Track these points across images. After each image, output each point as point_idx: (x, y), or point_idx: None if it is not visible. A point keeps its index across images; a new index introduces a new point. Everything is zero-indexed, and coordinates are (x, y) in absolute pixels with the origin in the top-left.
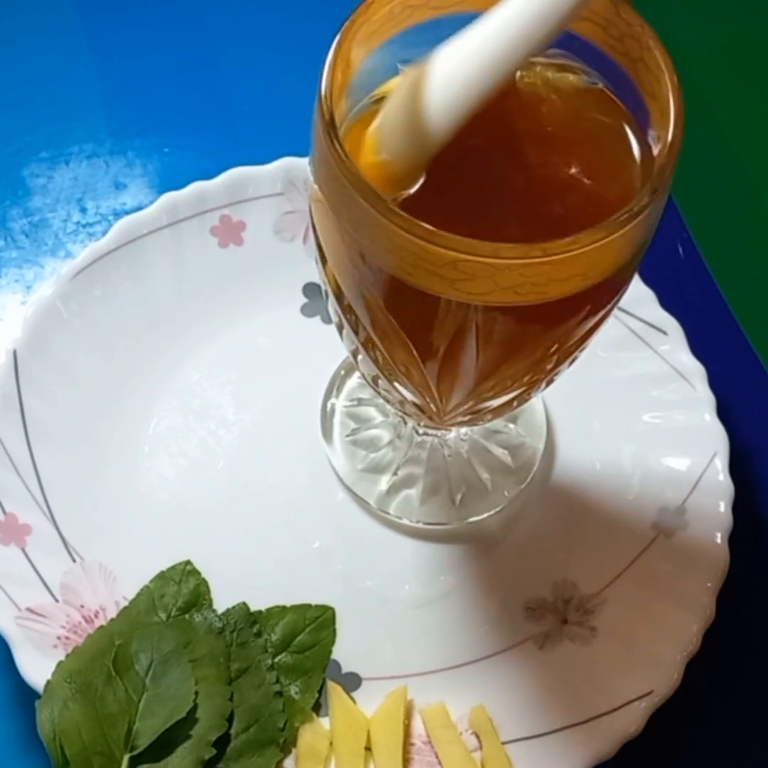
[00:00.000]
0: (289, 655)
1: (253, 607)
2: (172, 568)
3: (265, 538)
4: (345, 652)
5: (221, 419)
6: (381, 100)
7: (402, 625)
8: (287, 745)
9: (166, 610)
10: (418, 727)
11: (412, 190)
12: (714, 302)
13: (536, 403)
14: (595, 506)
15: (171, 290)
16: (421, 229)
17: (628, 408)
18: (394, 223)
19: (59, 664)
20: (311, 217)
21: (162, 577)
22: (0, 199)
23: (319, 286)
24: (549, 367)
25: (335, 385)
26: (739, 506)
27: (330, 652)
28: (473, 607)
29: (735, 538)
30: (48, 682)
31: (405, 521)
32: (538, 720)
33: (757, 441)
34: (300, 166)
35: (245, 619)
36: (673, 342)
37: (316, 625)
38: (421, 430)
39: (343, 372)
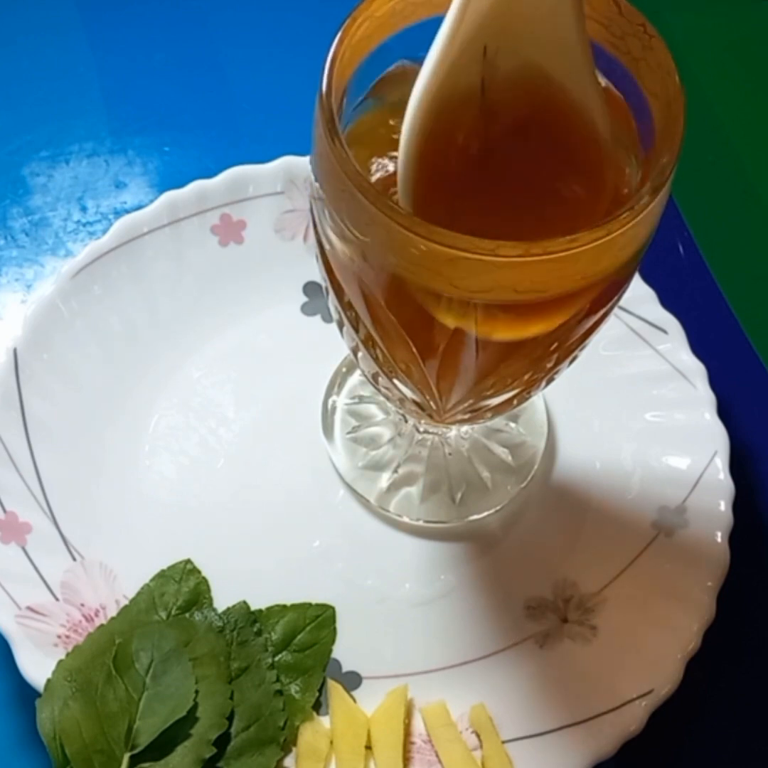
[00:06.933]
0: (289, 654)
1: (254, 606)
2: (173, 566)
3: (265, 536)
4: (345, 651)
5: (221, 418)
6: (382, 98)
7: (402, 624)
8: (288, 744)
9: (167, 609)
10: (418, 725)
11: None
12: (714, 301)
13: (537, 401)
14: (595, 505)
15: (171, 289)
16: (421, 226)
17: (628, 407)
18: (394, 220)
19: (60, 662)
20: (312, 215)
21: (162, 576)
22: (0, 198)
23: (319, 285)
24: (549, 365)
25: (336, 382)
26: (739, 505)
27: (330, 650)
28: (473, 605)
29: (735, 537)
30: (48, 680)
31: (405, 519)
32: (538, 719)
33: (757, 440)
34: (300, 164)
35: (245, 618)
36: (673, 341)
37: (316, 623)
38: (421, 428)
39: (344, 369)
